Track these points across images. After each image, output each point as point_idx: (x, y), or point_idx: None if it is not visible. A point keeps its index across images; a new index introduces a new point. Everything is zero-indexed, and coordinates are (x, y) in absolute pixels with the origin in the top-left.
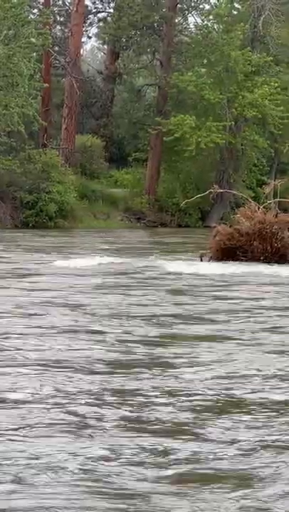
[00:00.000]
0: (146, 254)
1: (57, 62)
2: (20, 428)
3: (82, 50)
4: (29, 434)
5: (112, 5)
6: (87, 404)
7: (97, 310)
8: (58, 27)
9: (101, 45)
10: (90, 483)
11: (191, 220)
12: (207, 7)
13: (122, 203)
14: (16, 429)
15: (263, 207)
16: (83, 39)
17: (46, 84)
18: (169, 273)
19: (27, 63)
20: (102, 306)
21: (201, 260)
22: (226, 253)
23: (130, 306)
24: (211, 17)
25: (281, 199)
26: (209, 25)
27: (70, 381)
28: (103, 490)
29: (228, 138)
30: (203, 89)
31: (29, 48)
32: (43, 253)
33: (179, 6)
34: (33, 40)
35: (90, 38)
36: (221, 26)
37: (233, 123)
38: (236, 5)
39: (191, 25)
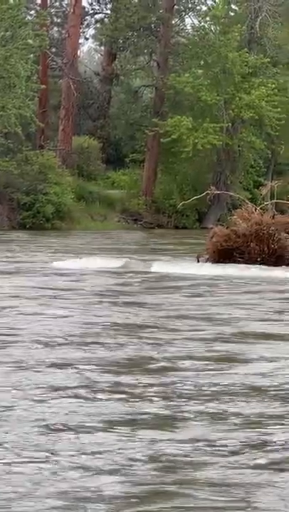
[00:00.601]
0: (144, 255)
1: (54, 63)
2: None
3: (79, 52)
4: None
5: (109, 6)
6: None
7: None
8: (55, 28)
9: (98, 47)
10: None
11: (188, 222)
12: (204, 8)
13: (119, 204)
14: None
15: (260, 208)
16: (80, 40)
17: (43, 86)
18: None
19: (24, 65)
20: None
21: (198, 262)
22: (223, 254)
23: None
24: (207, 18)
25: (278, 200)
26: (206, 26)
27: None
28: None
29: (225, 139)
30: (200, 91)
31: (26, 50)
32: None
33: (175, 7)
34: (30, 41)
35: (87, 39)
36: (218, 27)
37: (230, 124)
38: (233, 6)
39: (188, 27)
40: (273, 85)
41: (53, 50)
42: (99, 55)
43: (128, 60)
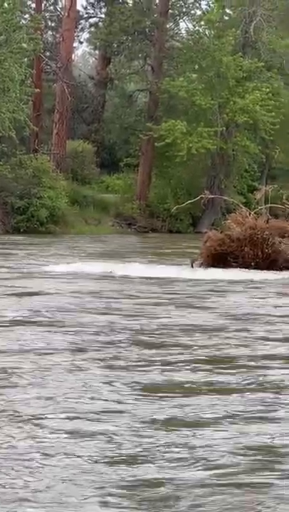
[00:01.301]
0: (139, 258)
1: (48, 67)
2: None
3: (73, 56)
4: None
5: (103, 10)
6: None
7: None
8: (50, 32)
9: (92, 51)
10: None
11: (182, 226)
12: (198, 13)
13: (113, 208)
14: None
15: (254, 212)
16: (75, 44)
17: (37, 90)
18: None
19: (18, 68)
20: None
21: (192, 266)
22: (217, 259)
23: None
24: (202, 22)
25: (272, 205)
26: (200, 30)
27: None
28: None
29: (220, 143)
30: (195, 95)
31: (20, 53)
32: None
33: (170, 11)
34: (24, 45)
35: (81, 43)
36: (213, 32)
37: (224, 128)
38: (228, 10)
39: (183, 31)
40: (267, 89)
41: (47, 53)
42: (93, 59)
43: (122, 64)
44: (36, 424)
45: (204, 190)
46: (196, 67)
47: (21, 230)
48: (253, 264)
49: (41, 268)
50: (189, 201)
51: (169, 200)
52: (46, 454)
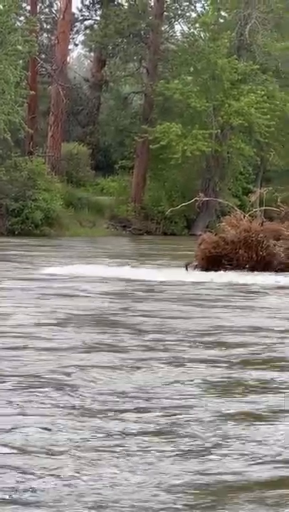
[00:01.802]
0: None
1: (43, 69)
2: None
3: (68, 58)
4: None
5: (98, 13)
6: None
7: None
8: (45, 34)
9: (87, 53)
10: None
11: (177, 228)
12: (193, 15)
13: (108, 210)
14: None
15: (249, 215)
16: (70, 46)
17: (32, 92)
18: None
19: (13, 70)
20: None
21: (186, 269)
22: (212, 261)
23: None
24: (197, 25)
25: (267, 207)
26: (196, 33)
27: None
28: None
29: (214, 146)
30: (190, 97)
31: (15, 55)
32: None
33: (165, 13)
34: (19, 47)
35: (76, 45)
36: (208, 34)
37: (219, 131)
38: (223, 13)
39: (178, 33)
40: (262, 92)
41: (43, 56)
42: (88, 61)
43: (117, 66)
44: (123, 419)
45: (199, 192)
46: (191, 69)
47: (16, 233)
48: (247, 266)
49: (39, 270)
50: (184, 204)
51: (163, 202)
52: (128, 452)
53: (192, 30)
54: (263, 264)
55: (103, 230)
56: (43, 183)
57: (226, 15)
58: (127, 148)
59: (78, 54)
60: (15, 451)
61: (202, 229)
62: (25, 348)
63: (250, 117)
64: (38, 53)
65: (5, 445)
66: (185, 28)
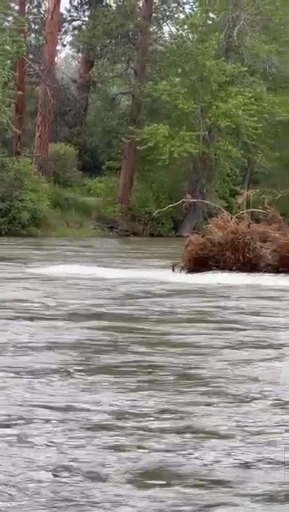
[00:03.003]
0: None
1: (31, 69)
2: None
3: (56, 58)
4: None
5: (86, 13)
6: None
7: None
8: (33, 35)
9: (75, 53)
10: None
11: (164, 230)
12: (182, 16)
13: (95, 211)
14: None
15: (236, 217)
16: (58, 47)
17: (20, 92)
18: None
19: (1, 71)
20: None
21: (173, 270)
22: (198, 263)
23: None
24: (185, 26)
25: (254, 209)
26: (184, 34)
27: None
28: None
29: (202, 148)
30: (177, 99)
31: (3, 56)
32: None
33: (153, 15)
34: (7, 47)
35: (64, 46)
36: (196, 36)
37: (206, 133)
38: (211, 15)
39: (166, 35)
40: (250, 94)
41: (31, 56)
42: (76, 62)
43: (105, 67)
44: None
45: (186, 194)
46: (179, 71)
47: (3, 233)
48: (234, 268)
49: (27, 270)
50: (171, 205)
51: (150, 203)
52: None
53: (180, 31)
54: (250, 265)
55: (90, 230)
56: (30, 183)
57: (215, 16)
58: (114, 149)
59: (66, 55)
60: None
61: (189, 230)
62: None
63: (238, 119)
64: (25, 53)
65: None
66: (173, 30)
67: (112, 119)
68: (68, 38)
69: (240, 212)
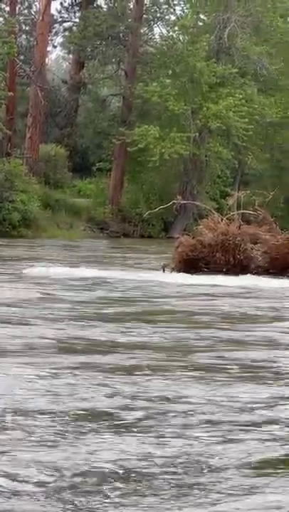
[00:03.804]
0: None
1: (22, 71)
2: None
3: (47, 60)
4: None
5: (77, 14)
6: None
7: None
8: (24, 36)
9: (66, 55)
10: None
11: (154, 231)
12: (173, 18)
13: (85, 212)
14: None
15: (226, 218)
16: (48, 48)
17: (11, 93)
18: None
19: None
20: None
21: (163, 271)
22: (189, 264)
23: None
24: (176, 28)
25: (244, 211)
26: (174, 36)
27: None
28: None
29: (192, 149)
30: (168, 100)
31: None
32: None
33: (144, 16)
34: None
35: (55, 47)
36: (187, 37)
37: (197, 134)
38: (202, 16)
39: (157, 36)
40: (241, 96)
41: (21, 57)
42: (67, 63)
43: (96, 68)
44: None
45: (177, 195)
46: (170, 72)
47: None
48: (224, 270)
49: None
50: (161, 206)
51: (141, 205)
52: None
53: (171, 33)
54: (240, 267)
55: (80, 232)
56: (21, 184)
57: (205, 18)
58: (104, 151)
59: (57, 56)
60: None
61: (180, 232)
62: None
63: (229, 121)
64: (16, 55)
65: None
66: (164, 31)
67: (103, 121)
68: (59, 39)
69: (231, 213)
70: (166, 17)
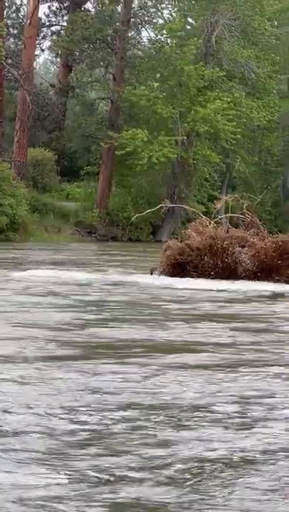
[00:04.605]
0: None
1: (10, 74)
2: None
3: (35, 63)
4: None
5: (65, 18)
6: None
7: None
8: (12, 39)
9: (54, 58)
10: None
11: (142, 235)
12: (160, 21)
13: (74, 216)
14: None
15: (214, 222)
16: (36, 52)
17: None
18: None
19: None
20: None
21: (152, 275)
22: (177, 268)
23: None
24: (164, 31)
25: (232, 214)
26: (162, 39)
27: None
28: None
29: (180, 152)
30: (156, 104)
31: None
32: None
33: (132, 20)
34: None
35: (43, 50)
36: (174, 41)
37: (185, 138)
38: (190, 20)
39: (145, 40)
40: (229, 99)
41: (9, 61)
42: (55, 66)
43: (84, 72)
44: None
45: (165, 199)
46: (158, 76)
47: None
48: (212, 273)
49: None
50: (149, 210)
51: (129, 208)
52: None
53: (159, 36)
54: (229, 271)
55: (68, 235)
56: (9, 188)
57: (193, 22)
58: (92, 155)
59: (45, 59)
60: None
61: (168, 235)
62: None
63: (216, 124)
64: (4, 58)
65: None
66: (152, 35)
67: (91, 124)
68: (47, 43)
69: (219, 217)
70: (154, 20)
